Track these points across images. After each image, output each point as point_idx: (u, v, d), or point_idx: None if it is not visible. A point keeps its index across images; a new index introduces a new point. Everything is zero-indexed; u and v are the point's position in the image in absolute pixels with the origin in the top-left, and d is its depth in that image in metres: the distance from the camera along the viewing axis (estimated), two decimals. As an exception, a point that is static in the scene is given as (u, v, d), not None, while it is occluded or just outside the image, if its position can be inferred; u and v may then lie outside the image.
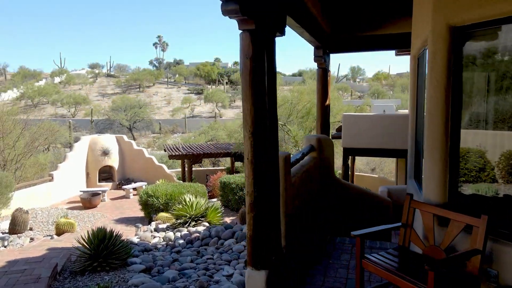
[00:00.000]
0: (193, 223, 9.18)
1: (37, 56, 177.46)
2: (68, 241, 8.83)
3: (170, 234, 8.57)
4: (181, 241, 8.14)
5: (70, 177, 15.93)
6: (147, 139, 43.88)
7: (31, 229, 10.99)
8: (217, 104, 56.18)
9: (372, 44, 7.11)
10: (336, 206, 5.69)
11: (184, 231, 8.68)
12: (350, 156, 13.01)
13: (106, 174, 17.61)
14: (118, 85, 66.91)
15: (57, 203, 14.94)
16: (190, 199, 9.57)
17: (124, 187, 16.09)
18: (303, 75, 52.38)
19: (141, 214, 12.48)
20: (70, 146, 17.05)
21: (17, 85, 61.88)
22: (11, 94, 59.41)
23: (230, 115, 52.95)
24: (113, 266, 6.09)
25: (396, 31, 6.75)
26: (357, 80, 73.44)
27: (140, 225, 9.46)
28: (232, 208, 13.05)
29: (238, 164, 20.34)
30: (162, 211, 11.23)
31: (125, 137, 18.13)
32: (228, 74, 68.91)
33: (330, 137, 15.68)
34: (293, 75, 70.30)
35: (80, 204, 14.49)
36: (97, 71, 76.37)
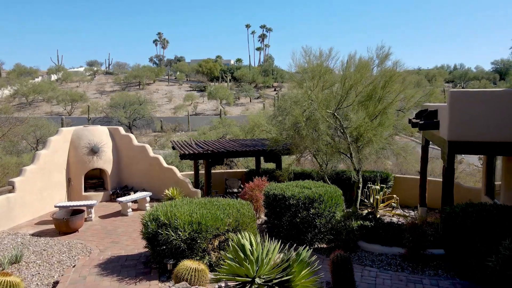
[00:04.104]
0: (264, 299, 3.95)
1: (33, 53, 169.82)
2: None
3: None
4: None
5: (42, 185, 10.58)
6: (148, 138, 38.97)
7: None
8: (221, 101, 51.07)
9: None
10: None
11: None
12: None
13: (95, 180, 12.21)
14: (117, 82, 61.61)
15: (19, 225, 9.59)
16: (252, 243, 4.31)
17: (119, 199, 10.71)
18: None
19: (145, 249, 7.22)
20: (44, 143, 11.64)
21: (11, 82, 56.44)
22: (5, 91, 54.21)
23: (235, 113, 47.99)
24: None
25: None
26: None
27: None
28: (289, 238, 7.78)
29: (264, 165, 15.06)
30: (185, 253, 5.96)
31: (121, 130, 12.74)
32: (231, 71, 63.42)
33: (410, 125, 10.47)
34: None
35: (53, 227, 9.19)
36: (95, 69, 70.89)
